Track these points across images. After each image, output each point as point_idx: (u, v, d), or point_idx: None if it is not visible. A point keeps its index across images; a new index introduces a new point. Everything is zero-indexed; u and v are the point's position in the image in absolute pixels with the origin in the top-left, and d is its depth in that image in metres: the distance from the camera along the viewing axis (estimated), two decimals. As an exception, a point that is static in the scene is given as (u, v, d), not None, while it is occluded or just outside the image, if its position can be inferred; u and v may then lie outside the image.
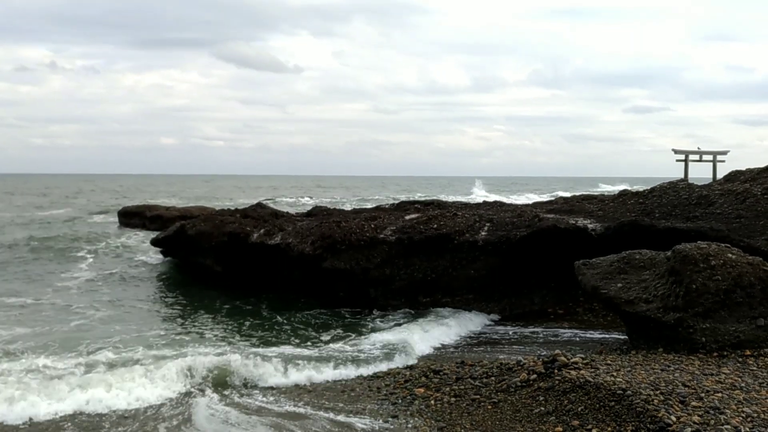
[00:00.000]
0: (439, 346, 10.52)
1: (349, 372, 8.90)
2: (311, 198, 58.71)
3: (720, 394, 6.31)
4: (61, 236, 26.39)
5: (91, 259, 19.83)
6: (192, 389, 8.17)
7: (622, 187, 26.01)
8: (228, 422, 7.17)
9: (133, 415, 7.44)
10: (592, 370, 7.04)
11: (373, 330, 11.30)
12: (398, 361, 9.29)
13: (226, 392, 8.16)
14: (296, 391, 8.20)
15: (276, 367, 8.80)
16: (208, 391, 8.11)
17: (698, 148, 44.19)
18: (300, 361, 9.05)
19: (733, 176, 15.07)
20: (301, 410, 7.46)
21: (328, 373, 8.79)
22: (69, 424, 7.16)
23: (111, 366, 8.81)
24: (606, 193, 18.44)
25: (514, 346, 10.29)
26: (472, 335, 11.26)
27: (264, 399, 7.91)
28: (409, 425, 6.74)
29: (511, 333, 11.30)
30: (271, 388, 8.35)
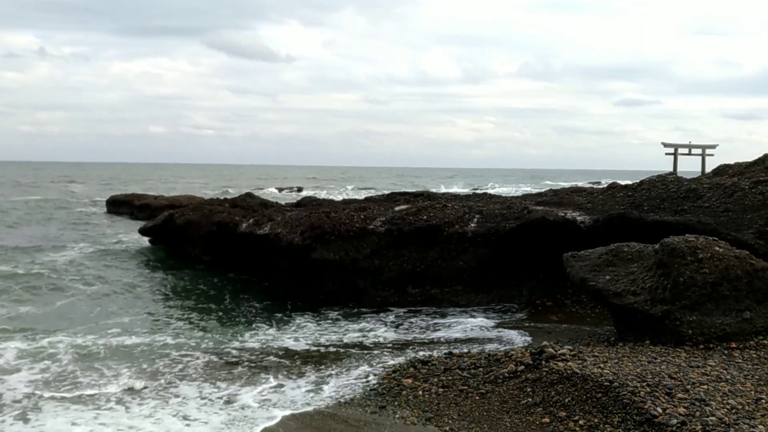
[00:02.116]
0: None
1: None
2: (301, 189, 58.56)
3: (705, 386, 6.35)
4: (49, 223, 26.23)
5: (76, 248, 19.68)
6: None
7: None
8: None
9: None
10: (580, 361, 7.07)
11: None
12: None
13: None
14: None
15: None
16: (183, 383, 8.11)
17: (689, 142, 44.38)
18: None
19: (722, 170, 15.14)
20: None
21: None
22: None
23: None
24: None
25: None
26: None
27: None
28: (397, 416, 6.74)
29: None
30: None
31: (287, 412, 7.02)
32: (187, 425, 6.77)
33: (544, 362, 7.13)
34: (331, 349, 9.71)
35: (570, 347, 7.79)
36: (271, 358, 9.20)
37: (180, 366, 8.82)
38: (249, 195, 19.49)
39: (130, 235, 22.18)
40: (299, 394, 7.63)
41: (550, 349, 7.37)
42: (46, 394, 7.69)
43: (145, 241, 19.52)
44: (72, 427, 6.79)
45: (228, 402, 7.41)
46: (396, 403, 7.08)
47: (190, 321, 11.45)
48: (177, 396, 7.63)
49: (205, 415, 7.01)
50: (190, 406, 7.29)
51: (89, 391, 7.80)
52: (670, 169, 40.92)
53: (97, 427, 6.77)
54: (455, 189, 50.28)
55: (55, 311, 12.07)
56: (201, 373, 8.49)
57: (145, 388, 7.90)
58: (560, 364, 6.98)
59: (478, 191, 32.14)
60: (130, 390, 7.83)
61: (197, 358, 9.16)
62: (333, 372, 8.47)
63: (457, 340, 10.13)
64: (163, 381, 8.18)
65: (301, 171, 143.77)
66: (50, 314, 11.79)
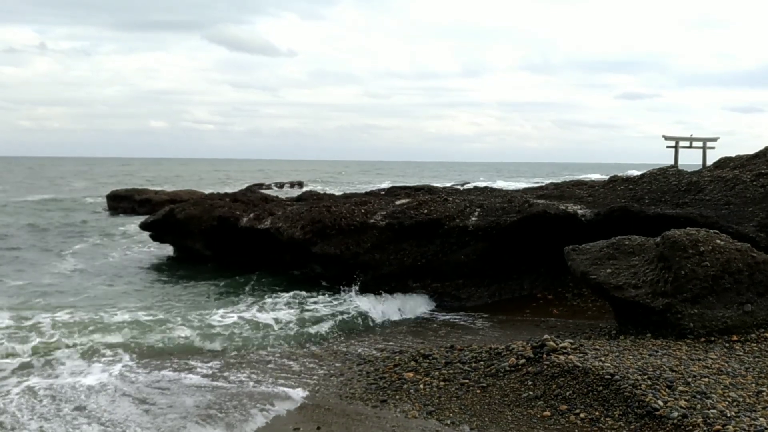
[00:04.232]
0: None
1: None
2: (301, 183, 58.48)
3: (707, 379, 6.35)
4: (51, 221, 26.24)
5: (79, 245, 19.70)
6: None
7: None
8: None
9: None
10: (581, 355, 7.07)
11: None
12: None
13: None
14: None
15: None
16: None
17: (691, 135, 44.20)
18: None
19: (723, 163, 15.10)
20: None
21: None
22: None
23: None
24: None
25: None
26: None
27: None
28: (398, 410, 6.74)
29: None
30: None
31: (287, 405, 7.03)
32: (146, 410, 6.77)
33: (545, 356, 7.13)
34: (328, 341, 9.71)
35: (571, 341, 7.79)
36: (266, 350, 9.22)
37: (170, 344, 9.11)
38: (250, 189, 19.48)
39: (130, 226, 22.22)
40: (296, 388, 7.63)
41: (551, 343, 7.37)
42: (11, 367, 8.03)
43: (145, 235, 19.50)
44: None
45: (217, 391, 7.42)
46: (397, 396, 7.08)
47: (182, 307, 11.42)
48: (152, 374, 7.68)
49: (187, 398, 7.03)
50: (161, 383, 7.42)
51: (53, 369, 8.09)
52: (671, 162, 40.84)
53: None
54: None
55: (51, 292, 12.51)
56: (192, 359, 8.54)
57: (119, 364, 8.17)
58: (561, 357, 6.98)
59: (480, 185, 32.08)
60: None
61: (184, 337, 9.42)
62: (332, 366, 8.47)
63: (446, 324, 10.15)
64: (150, 365, 8.32)
65: (302, 165, 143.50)
66: (46, 295, 12.21)
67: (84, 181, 61.46)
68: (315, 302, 12.08)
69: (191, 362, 8.55)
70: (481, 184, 30.42)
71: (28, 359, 8.38)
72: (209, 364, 8.47)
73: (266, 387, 7.62)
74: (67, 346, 8.85)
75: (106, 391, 7.39)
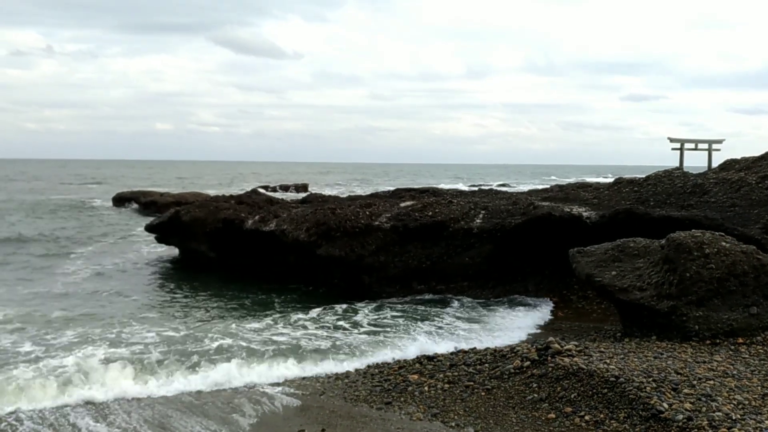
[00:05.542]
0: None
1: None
2: (306, 186, 58.45)
3: (712, 382, 6.34)
4: (57, 221, 26.36)
5: (84, 247, 19.78)
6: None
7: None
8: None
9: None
10: (586, 357, 7.06)
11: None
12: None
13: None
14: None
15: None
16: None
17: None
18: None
19: (728, 165, 15.07)
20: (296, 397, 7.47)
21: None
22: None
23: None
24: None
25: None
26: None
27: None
28: (403, 412, 6.75)
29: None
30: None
31: (291, 406, 7.04)
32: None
33: (549, 358, 7.13)
34: (330, 343, 9.71)
35: (576, 343, 7.79)
36: (270, 352, 9.20)
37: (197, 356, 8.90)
38: (255, 192, 19.51)
39: (137, 229, 22.32)
40: (301, 389, 7.66)
41: (556, 345, 7.37)
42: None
43: (151, 237, 19.57)
44: None
45: (218, 390, 7.45)
46: (402, 399, 7.09)
47: (197, 313, 11.48)
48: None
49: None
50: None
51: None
52: (677, 164, 40.73)
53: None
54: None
55: (58, 296, 12.61)
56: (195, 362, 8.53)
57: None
58: (566, 359, 6.98)
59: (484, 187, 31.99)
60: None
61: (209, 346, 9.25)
62: (337, 367, 8.48)
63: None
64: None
65: (306, 168, 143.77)
66: (53, 301, 12.19)
67: (89, 183, 61.68)
68: (309, 306, 11.98)
69: (194, 364, 8.55)
70: (501, 188, 30.28)
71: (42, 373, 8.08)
72: (211, 366, 8.45)
73: (268, 388, 7.64)
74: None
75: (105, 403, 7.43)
